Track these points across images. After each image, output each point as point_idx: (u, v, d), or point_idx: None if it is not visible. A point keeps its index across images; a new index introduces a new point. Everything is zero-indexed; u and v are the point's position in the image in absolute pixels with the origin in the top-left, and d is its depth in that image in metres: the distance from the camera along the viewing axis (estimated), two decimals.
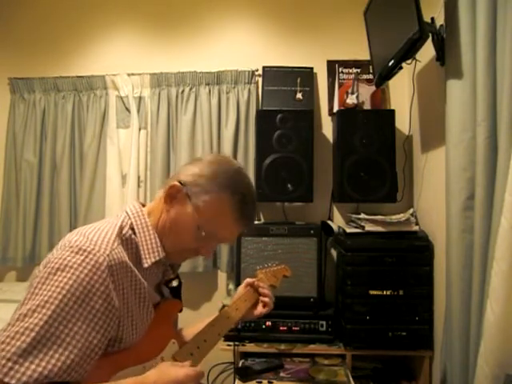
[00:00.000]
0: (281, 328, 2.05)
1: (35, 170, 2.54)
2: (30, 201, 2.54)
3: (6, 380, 0.71)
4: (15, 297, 2.17)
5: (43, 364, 0.74)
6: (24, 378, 0.72)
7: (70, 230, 2.69)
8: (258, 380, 1.79)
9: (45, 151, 2.56)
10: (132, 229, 0.94)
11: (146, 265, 0.93)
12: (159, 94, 2.51)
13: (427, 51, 1.81)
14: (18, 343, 0.74)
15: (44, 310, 0.76)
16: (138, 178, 2.49)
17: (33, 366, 0.73)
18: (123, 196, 2.48)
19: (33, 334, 0.74)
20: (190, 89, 2.49)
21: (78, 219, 2.51)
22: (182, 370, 0.85)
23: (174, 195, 0.95)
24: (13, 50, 2.69)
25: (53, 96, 2.58)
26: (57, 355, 0.75)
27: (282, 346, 2.02)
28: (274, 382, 1.78)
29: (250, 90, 2.46)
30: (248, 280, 1.31)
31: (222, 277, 2.52)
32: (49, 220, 2.52)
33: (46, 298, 0.77)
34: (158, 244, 0.95)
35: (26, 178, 2.55)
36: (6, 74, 2.64)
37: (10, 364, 0.72)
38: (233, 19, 2.58)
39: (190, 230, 0.95)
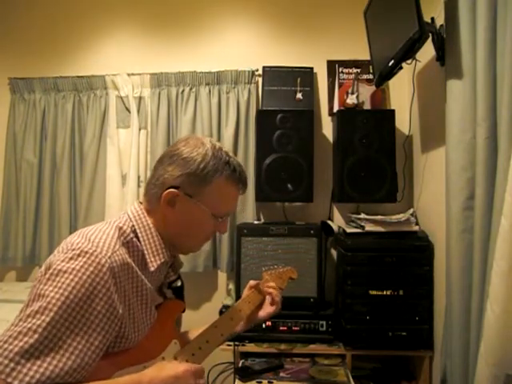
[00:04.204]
0: (281, 328, 2.05)
1: (35, 170, 2.55)
2: (30, 201, 2.54)
3: (9, 380, 0.71)
4: (15, 297, 2.17)
5: (45, 365, 0.74)
6: (26, 379, 0.72)
7: (70, 230, 2.68)
8: (258, 380, 1.79)
9: (45, 151, 2.56)
10: (134, 231, 0.95)
11: (152, 268, 0.94)
12: (159, 94, 2.51)
13: (427, 51, 1.81)
14: (21, 343, 0.74)
15: (47, 312, 0.76)
16: (138, 177, 2.49)
17: (35, 368, 0.73)
18: (123, 196, 2.49)
19: (36, 336, 0.74)
20: (190, 89, 2.49)
21: (77, 219, 2.51)
22: (181, 365, 0.85)
23: (173, 201, 0.95)
24: (13, 50, 2.70)
25: (53, 96, 2.58)
26: (59, 357, 0.76)
27: (282, 346, 2.02)
28: (274, 381, 1.78)
29: (250, 90, 2.46)
30: (251, 282, 1.30)
31: (222, 277, 2.52)
32: (49, 220, 2.52)
33: (48, 300, 0.77)
34: (162, 246, 0.96)
35: (26, 178, 2.56)
36: (6, 74, 2.64)
37: (12, 364, 0.72)
38: (233, 19, 2.58)
39: (206, 222, 0.99)
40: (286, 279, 1.42)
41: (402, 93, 2.41)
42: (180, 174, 0.94)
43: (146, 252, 0.94)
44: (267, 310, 1.26)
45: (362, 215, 2.11)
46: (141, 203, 1.02)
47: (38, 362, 0.74)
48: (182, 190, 0.95)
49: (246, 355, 2.04)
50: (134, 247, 0.93)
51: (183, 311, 1.09)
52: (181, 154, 0.96)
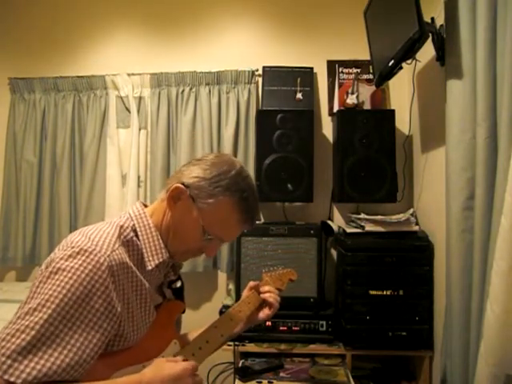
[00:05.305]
0: (281, 328, 2.05)
1: (35, 170, 2.55)
2: (30, 201, 2.54)
3: (6, 377, 0.72)
4: (15, 297, 2.17)
5: (42, 362, 0.75)
6: (23, 376, 0.73)
7: (70, 230, 2.69)
8: (257, 380, 1.79)
9: (45, 151, 2.56)
10: (134, 230, 0.95)
11: (149, 267, 0.94)
12: (159, 94, 2.51)
13: (427, 51, 1.81)
14: (18, 341, 0.74)
15: (45, 309, 0.77)
16: (138, 177, 2.49)
17: (32, 364, 0.74)
18: (123, 196, 2.49)
19: (33, 333, 0.75)
20: (190, 89, 2.49)
21: (78, 219, 2.50)
22: (179, 364, 0.84)
23: (177, 197, 0.96)
24: (13, 50, 2.70)
25: (53, 96, 2.58)
26: (56, 354, 0.76)
27: (282, 346, 2.02)
28: (274, 381, 1.78)
29: (250, 90, 2.46)
30: (251, 283, 1.29)
31: (222, 277, 2.52)
32: (49, 220, 2.52)
33: (47, 297, 0.78)
34: (162, 245, 0.96)
35: (26, 178, 2.56)
36: (6, 74, 2.64)
37: (9, 361, 0.73)
38: (233, 19, 2.58)
39: (195, 231, 0.96)
40: (286, 281, 1.43)
41: (402, 93, 2.41)
42: (196, 175, 0.96)
43: (144, 251, 0.94)
44: (266, 311, 1.26)
45: (362, 215, 2.11)
46: (145, 205, 1.03)
47: (36, 359, 0.74)
48: (189, 190, 0.95)
49: (246, 355, 2.04)
50: (133, 246, 0.93)
51: (183, 312, 1.09)
52: (208, 161, 0.98)
